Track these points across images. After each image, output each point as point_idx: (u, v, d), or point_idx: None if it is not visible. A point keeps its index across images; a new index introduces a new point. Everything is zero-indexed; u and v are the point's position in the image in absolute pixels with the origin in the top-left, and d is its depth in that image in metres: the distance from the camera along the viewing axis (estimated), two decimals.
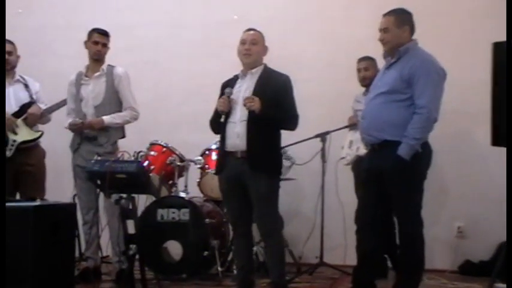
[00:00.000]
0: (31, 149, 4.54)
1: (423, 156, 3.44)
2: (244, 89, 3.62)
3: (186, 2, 5.74)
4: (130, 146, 4.32)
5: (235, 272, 4.40)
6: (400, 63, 3.50)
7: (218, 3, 5.62)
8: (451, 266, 4.94)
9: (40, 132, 4.59)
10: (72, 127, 4.35)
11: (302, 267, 4.65)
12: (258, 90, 3.57)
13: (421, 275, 3.56)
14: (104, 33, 4.43)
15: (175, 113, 5.50)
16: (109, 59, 4.49)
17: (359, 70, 4.63)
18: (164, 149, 4.69)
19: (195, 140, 4.99)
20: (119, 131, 4.45)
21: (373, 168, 3.53)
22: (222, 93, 3.67)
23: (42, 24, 5.77)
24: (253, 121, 3.50)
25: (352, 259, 4.90)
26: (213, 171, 4.61)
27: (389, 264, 4.31)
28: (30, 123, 4.52)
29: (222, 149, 3.66)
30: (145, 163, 4.43)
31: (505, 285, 4.05)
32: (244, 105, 3.51)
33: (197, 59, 5.55)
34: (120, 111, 4.40)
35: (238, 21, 5.49)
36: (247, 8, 5.45)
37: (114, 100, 4.39)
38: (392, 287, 3.54)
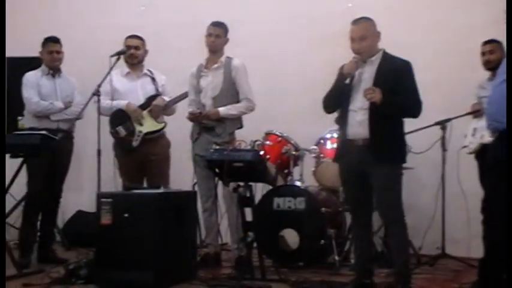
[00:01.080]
0: (156, 139, 4.77)
1: None
2: (364, 78, 3.56)
3: None
4: (246, 135, 4.42)
5: (352, 261, 4.37)
6: None
7: None
8: None
9: (164, 123, 4.81)
10: (191, 117, 4.51)
11: (422, 259, 4.51)
12: (379, 78, 3.50)
13: None
14: (217, 25, 4.52)
15: (290, 103, 5.52)
16: (226, 52, 4.58)
17: (483, 53, 4.43)
18: (279, 139, 4.72)
19: (309, 130, 5.00)
20: (236, 121, 4.54)
21: (499, 157, 3.35)
22: (340, 77, 3.60)
23: (163, 20, 6.01)
24: (375, 109, 3.45)
25: (477, 251, 4.71)
26: (329, 160, 4.62)
27: None
28: (155, 115, 4.75)
29: (342, 137, 3.62)
30: (261, 152, 4.49)
31: None
32: (365, 96, 3.46)
33: (310, 50, 5.54)
34: (237, 102, 4.49)
35: (352, 9, 5.42)
36: None
37: (231, 91, 4.48)
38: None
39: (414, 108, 3.55)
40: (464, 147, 4.50)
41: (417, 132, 4.47)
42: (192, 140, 4.59)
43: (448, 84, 4.98)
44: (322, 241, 4.36)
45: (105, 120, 4.64)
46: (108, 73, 4.50)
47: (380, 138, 3.44)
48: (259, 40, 5.67)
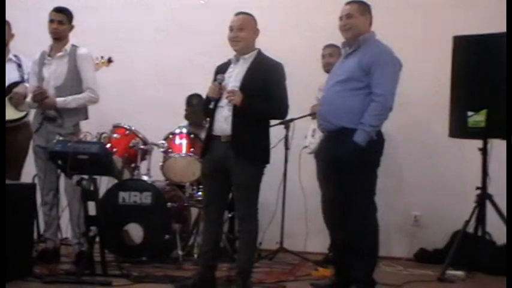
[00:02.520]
0: (15, 129, 4.49)
1: (377, 143, 3.53)
2: (235, 75, 3.59)
3: None
4: (93, 128, 4.28)
5: (195, 256, 4.45)
6: (358, 52, 3.58)
7: None
8: (407, 253, 5.07)
9: (24, 112, 4.52)
10: (35, 94, 4.22)
11: (262, 253, 4.70)
12: (247, 78, 3.55)
13: (376, 261, 3.63)
14: (59, 10, 4.32)
15: (140, 97, 5.47)
16: (76, 40, 4.41)
17: (323, 56, 4.72)
18: (127, 132, 4.65)
19: (158, 124, 5.00)
20: (81, 112, 4.38)
21: (330, 156, 3.59)
22: (215, 78, 3.63)
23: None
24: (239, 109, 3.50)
25: (312, 246, 5.04)
26: (177, 155, 4.65)
27: None
28: (15, 103, 4.46)
29: (208, 133, 3.62)
30: (108, 145, 4.39)
31: (457, 272, 4.22)
32: (226, 98, 3.50)
33: (162, 44, 5.53)
34: (81, 92, 4.33)
35: (205, 6, 5.50)
36: None
37: (76, 82, 4.31)
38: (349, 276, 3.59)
39: (278, 111, 3.64)
40: (305, 147, 4.72)
41: None
42: (33, 130, 4.36)
43: (295, 85, 5.19)
44: (167, 236, 4.37)
45: None
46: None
47: (243, 136, 3.48)
48: (111, 29, 5.53)
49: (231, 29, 3.63)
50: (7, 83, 4.51)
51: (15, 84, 4.51)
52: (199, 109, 4.14)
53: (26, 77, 4.57)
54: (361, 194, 3.52)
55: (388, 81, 3.50)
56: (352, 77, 3.53)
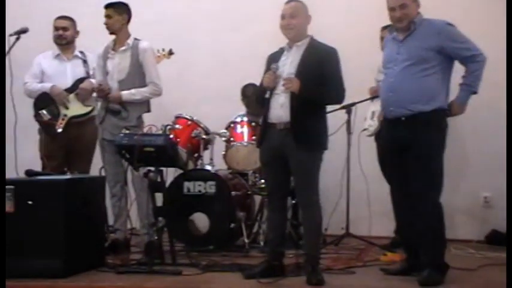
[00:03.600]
0: (82, 123, 4.64)
1: (443, 125, 3.55)
2: (289, 63, 3.58)
3: None
4: (155, 120, 4.34)
5: (261, 243, 4.47)
6: (417, 34, 3.53)
7: None
8: (478, 236, 4.94)
9: (91, 107, 4.65)
10: (98, 91, 4.35)
11: (328, 239, 4.68)
12: (302, 65, 3.53)
13: (445, 244, 3.58)
14: (106, 6, 4.36)
15: (200, 87, 5.49)
16: (135, 32, 4.45)
17: (382, 38, 4.60)
18: (189, 122, 4.69)
19: (219, 113, 5.00)
20: (143, 105, 4.44)
21: (397, 141, 3.54)
22: (268, 67, 3.63)
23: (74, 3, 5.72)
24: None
25: (377, 230, 4.98)
26: (239, 143, 4.67)
27: None
28: (82, 98, 4.60)
29: (264, 121, 3.62)
30: (171, 136, 4.45)
31: None
32: (283, 86, 3.49)
33: (219, 32, 5.52)
34: (144, 86, 4.40)
35: None
36: None
37: (138, 75, 4.37)
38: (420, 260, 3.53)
39: (336, 96, 3.63)
40: (364, 129, 4.67)
41: None
42: (97, 123, 4.46)
43: (354, 68, 5.10)
44: (232, 224, 4.41)
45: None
46: (8, 52, 4.25)
47: (301, 123, 3.47)
48: (169, 21, 5.57)
49: (283, 17, 3.60)
50: (73, 79, 4.65)
51: (81, 80, 4.64)
52: (253, 99, 4.14)
53: (91, 72, 4.68)
54: (436, 178, 3.49)
55: (468, 41, 3.53)
56: (421, 59, 3.49)
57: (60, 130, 4.55)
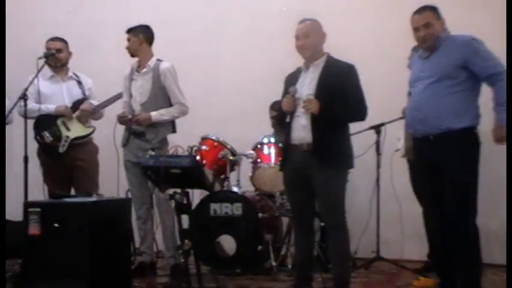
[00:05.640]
0: (84, 145, 4.61)
1: (474, 144, 3.43)
2: (308, 83, 3.53)
3: None
4: (180, 140, 4.30)
5: (289, 266, 4.38)
6: (441, 50, 3.47)
7: None
8: None
9: (92, 128, 4.65)
10: (120, 120, 4.36)
11: (357, 262, 4.56)
12: (321, 84, 3.48)
13: (481, 269, 3.45)
14: (127, 32, 4.39)
15: (225, 107, 5.47)
16: (157, 53, 4.46)
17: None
18: (216, 143, 4.66)
19: (246, 134, 4.97)
20: (168, 126, 4.42)
21: (428, 160, 3.44)
22: (286, 89, 3.59)
23: (90, 21, 5.81)
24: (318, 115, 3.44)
25: (409, 253, 4.84)
26: (266, 165, 4.60)
27: None
28: (83, 119, 4.58)
29: (286, 142, 3.58)
30: (197, 157, 4.41)
31: None
32: (303, 107, 3.44)
33: (244, 53, 5.51)
34: (167, 107, 4.36)
35: (286, 12, 5.42)
36: None
37: (160, 97, 4.34)
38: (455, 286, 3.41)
39: (358, 113, 3.55)
40: (397, 150, 4.58)
41: (353, 137, 4.53)
42: (122, 145, 4.44)
43: (382, 88, 5.06)
44: (259, 247, 4.33)
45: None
46: (36, 76, 4.29)
47: (323, 143, 3.42)
48: (193, 41, 5.59)
49: (297, 37, 3.56)
50: (70, 100, 4.60)
51: (81, 101, 4.61)
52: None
53: (87, 93, 4.67)
54: (470, 199, 3.37)
55: (493, 58, 3.41)
56: (445, 75, 3.40)
57: (62, 150, 4.49)
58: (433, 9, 3.52)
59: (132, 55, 4.42)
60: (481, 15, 4.89)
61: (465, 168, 3.37)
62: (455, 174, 3.35)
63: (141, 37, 4.38)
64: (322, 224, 4.32)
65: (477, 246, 3.40)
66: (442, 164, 3.38)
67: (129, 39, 4.39)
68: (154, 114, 4.30)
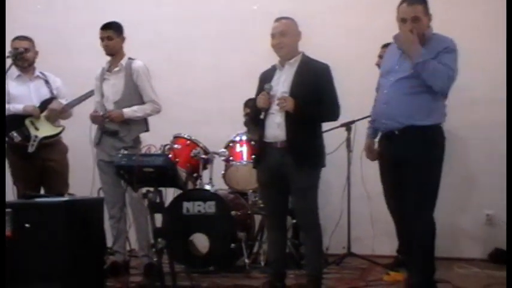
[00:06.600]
0: (53, 144, 4.57)
1: (438, 141, 3.41)
2: (282, 81, 3.56)
3: None
4: (153, 140, 4.29)
5: (262, 263, 4.42)
6: (426, 48, 3.37)
7: None
8: (481, 254, 4.88)
9: (61, 128, 4.62)
10: (92, 118, 4.34)
11: (329, 258, 4.62)
12: (296, 83, 3.51)
13: (434, 265, 3.43)
14: (105, 27, 4.34)
15: (198, 106, 5.48)
16: (132, 54, 4.44)
17: (380, 56, 4.58)
18: (188, 142, 4.66)
19: (218, 133, 4.98)
20: (141, 125, 4.42)
21: (392, 156, 3.46)
22: (261, 86, 3.61)
23: (61, 22, 5.76)
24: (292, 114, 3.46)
25: (380, 249, 4.93)
26: (239, 163, 4.63)
27: None
28: (52, 119, 4.54)
29: (260, 141, 3.59)
30: (170, 156, 4.40)
31: None
32: (278, 105, 3.46)
33: (218, 53, 5.53)
34: (140, 105, 4.36)
35: (258, 12, 5.46)
36: None
37: (134, 95, 4.34)
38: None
39: (331, 113, 3.59)
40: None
41: (325, 134, 4.57)
42: (94, 144, 4.42)
43: (354, 87, 5.11)
44: (233, 244, 4.35)
45: None
46: (4, 74, 4.23)
47: (298, 141, 3.44)
48: (167, 41, 5.58)
49: (273, 36, 3.58)
50: (38, 100, 4.56)
51: (49, 100, 4.57)
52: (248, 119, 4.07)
53: (55, 92, 4.63)
54: (428, 195, 3.37)
55: (453, 69, 3.35)
56: (415, 73, 3.35)
57: (31, 150, 4.44)
58: (423, 3, 3.42)
59: (111, 54, 4.38)
60: (473, 11, 4.95)
61: (425, 164, 3.34)
62: (415, 170, 3.33)
63: (123, 38, 4.38)
64: (294, 221, 4.38)
65: (431, 241, 3.38)
66: (404, 159, 3.36)
67: (111, 38, 4.33)
68: (127, 111, 4.29)
